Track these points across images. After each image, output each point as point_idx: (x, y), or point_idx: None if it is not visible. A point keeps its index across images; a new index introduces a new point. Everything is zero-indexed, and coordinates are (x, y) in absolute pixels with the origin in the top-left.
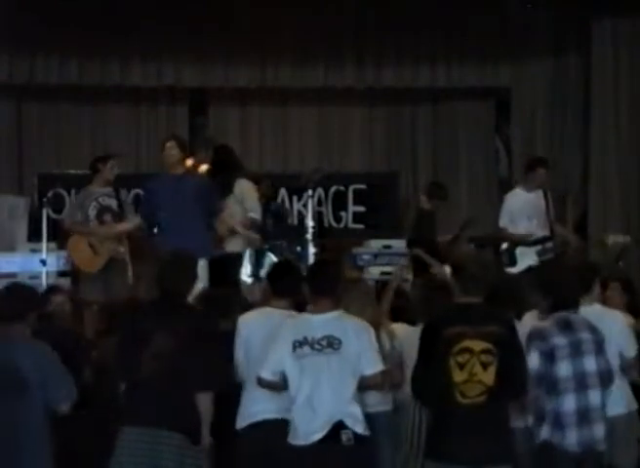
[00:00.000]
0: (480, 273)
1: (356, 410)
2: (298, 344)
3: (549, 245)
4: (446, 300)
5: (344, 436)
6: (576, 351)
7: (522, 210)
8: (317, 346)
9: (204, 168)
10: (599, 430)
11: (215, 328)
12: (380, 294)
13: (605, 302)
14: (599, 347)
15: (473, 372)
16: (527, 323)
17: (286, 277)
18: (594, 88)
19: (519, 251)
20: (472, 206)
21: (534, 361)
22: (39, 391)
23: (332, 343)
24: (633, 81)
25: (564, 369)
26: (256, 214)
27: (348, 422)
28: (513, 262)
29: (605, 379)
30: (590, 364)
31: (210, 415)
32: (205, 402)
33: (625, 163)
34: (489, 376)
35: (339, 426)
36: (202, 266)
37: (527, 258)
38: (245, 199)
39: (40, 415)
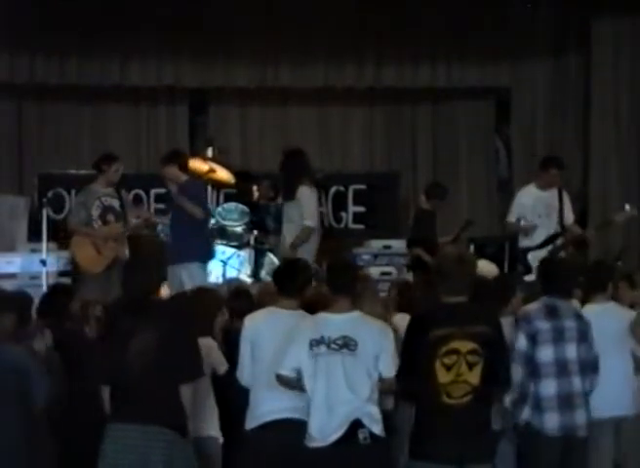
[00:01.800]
0: (462, 272)
1: (374, 410)
2: (314, 343)
3: (559, 242)
4: None
5: (361, 435)
6: (558, 337)
7: (533, 207)
8: (333, 346)
9: (223, 174)
10: (581, 416)
11: (189, 321)
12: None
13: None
14: (583, 335)
15: (460, 373)
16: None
17: (295, 277)
18: (594, 88)
19: (531, 256)
20: (472, 206)
21: (521, 342)
22: (18, 390)
23: (348, 344)
24: (633, 81)
25: (545, 353)
26: (311, 221)
27: (365, 421)
28: (528, 270)
29: (587, 368)
30: (571, 351)
31: (191, 407)
32: (185, 393)
33: (625, 163)
34: (474, 376)
35: (356, 425)
36: (196, 269)
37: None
38: (302, 206)
39: (21, 415)
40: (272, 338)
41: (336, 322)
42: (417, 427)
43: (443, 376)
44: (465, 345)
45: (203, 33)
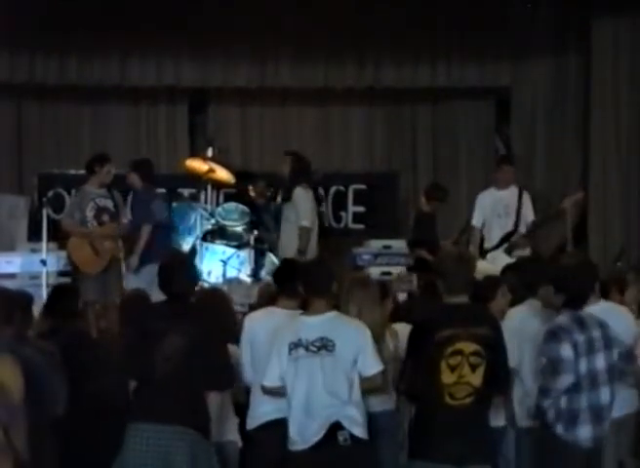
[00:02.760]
0: (462, 272)
1: (354, 413)
2: (293, 346)
3: (515, 239)
4: None
5: (341, 436)
6: (590, 349)
7: (492, 208)
8: (311, 348)
9: (223, 174)
10: (607, 427)
11: (222, 327)
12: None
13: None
14: (608, 343)
15: (462, 374)
16: (514, 317)
17: (294, 276)
18: (594, 88)
19: (489, 256)
20: (472, 206)
21: (568, 351)
22: (30, 395)
23: (326, 345)
24: (633, 81)
25: (582, 365)
26: (306, 221)
27: (345, 423)
28: None
29: (614, 373)
30: (600, 361)
31: (217, 414)
32: (212, 401)
33: (625, 163)
34: (477, 378)
35: (335, 427)
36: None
37: (498, 261)
38: (297, 206)
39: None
40: (268, 339)
41: (312, 323)
42: (416, 427)
43: (447, 377)
44: (469, 346)
45: (203, 33)
